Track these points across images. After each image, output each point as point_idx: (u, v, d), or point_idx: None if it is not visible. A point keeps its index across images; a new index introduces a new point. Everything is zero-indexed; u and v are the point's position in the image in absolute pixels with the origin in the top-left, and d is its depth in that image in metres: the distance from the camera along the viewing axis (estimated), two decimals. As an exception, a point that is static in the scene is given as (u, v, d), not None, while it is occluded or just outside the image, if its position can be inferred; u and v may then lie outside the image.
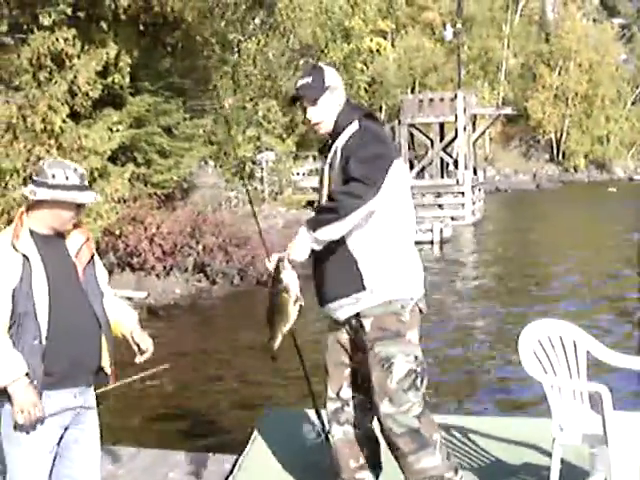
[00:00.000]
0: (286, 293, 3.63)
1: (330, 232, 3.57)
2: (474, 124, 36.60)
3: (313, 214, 3.73)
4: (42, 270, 3.47)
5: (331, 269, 3.72)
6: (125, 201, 14.60)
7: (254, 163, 22.07)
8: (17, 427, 3.42)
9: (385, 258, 3.68)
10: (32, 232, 3.50)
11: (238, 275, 16.30)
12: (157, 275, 15.79)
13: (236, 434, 7.58)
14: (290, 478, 4.64)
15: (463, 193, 32.00)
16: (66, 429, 3.58)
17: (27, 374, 3.37)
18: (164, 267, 15.85)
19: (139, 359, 3.70)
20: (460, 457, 4.86)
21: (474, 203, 32.73)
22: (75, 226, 3.65)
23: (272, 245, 3.93)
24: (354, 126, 3.76)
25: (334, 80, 3.86)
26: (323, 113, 3.82)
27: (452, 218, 29.58)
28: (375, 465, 4.05)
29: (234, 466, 5.18)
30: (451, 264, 21.19)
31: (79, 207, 3.54)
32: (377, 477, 4.05)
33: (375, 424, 3.95)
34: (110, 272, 15.10)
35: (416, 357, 3.73)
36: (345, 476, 3.96)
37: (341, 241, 3.63)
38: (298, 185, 24.39)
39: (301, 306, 3.67)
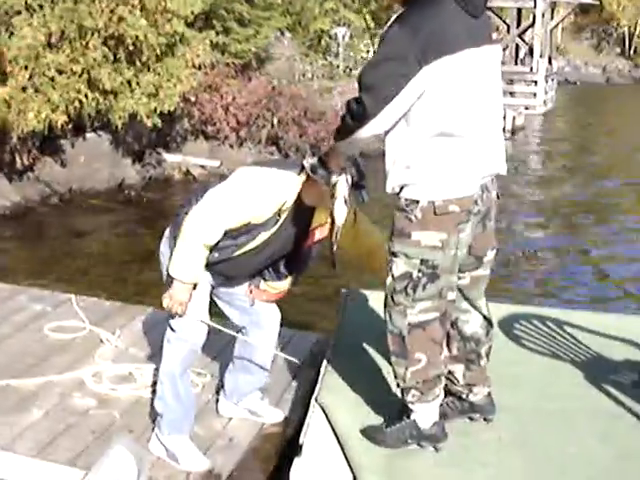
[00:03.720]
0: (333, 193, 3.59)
1: (345, 148, 3.58)
2: (552, 11, 35.51)
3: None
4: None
5: None
6: (200, 68, 14.34)
7: (330, 37, 21.61)
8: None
9: (403, 154, 3.46)
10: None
11: (311, 150, 16.14)
12: (230, 145, 15.69)
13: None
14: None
15: (536, 82, 31.23)
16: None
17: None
18: (238, 137, 15.73)
19: None
20: (560, 350, 4.84)
21: (546, 93, 31.96)
22: None
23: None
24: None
25: None
26: None
27: (525, 107, 28.91)
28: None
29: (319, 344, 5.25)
30: (524, 153, 20.91)
31: None
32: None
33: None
34: (184, 139, 15.29)
35: (422, 261, 3.53)
36: None
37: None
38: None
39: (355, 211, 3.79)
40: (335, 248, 3.68)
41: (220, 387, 4.64)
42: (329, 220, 3.70)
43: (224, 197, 3.72)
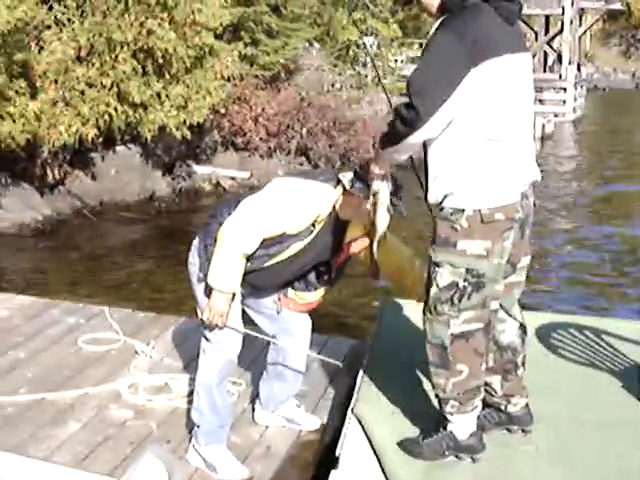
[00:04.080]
0: (375, 201, 3.58)
1: (392, 155, 3.49)
2: (580, 18, 35.41)
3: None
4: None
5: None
6: (229, 79, 14.40)
7: (358, 47, 21.59)
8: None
9: (446, 162, 3.43)
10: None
11: (340, 160, 16.17)
12: (260, 156, 15.79)
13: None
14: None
15: (565, 89, 31.14)
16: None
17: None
18: (268, 148, 15.83)
19: None
20: (597, 359, 4.79)
21: (575, 100, 31.85)
22: None
23: (377, 132, 3.79)
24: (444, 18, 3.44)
25: None
26: None
27: (555, 115, 28.78)
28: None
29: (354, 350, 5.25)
30: (553, 161, 20.79)
31: None
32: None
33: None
34: (214, 151, 15.36)
35: (468, 270, 3.49)
36: None
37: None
38: (399, 72, 23.79)
39: (392, 216, 3.64)
40: (375, 257, 3.70)
41: (256, 396, 4.64)
42: (370, 229, 3.69)
43: (262, 206, 3.71)
